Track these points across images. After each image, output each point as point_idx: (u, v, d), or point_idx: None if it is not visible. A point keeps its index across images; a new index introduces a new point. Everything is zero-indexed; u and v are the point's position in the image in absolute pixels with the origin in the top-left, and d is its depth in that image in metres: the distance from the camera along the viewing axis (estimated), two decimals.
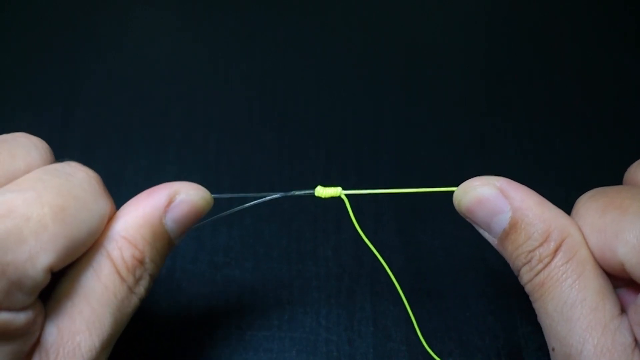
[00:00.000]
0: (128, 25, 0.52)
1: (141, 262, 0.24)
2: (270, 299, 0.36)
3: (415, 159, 0.43)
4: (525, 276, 0.26)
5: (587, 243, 0.25)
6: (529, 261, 0.25)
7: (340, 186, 0.29)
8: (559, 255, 0.24)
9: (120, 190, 0.41)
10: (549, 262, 0.25)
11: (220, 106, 0.46)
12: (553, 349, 0.25)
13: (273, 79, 0.48)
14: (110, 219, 0.24)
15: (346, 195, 0.29)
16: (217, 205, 0.28)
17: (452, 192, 0.28)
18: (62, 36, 0.50)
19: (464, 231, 0.39)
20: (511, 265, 0.27)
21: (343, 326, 0.35)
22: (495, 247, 0.27)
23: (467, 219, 0.27)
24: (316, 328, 0.35)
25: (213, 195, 0.27)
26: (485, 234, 0.27)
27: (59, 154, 0.42)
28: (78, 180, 0.23)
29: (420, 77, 0.49)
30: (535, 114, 0.47)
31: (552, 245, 0.25)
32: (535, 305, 0.26)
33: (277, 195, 0.29)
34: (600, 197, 0.25)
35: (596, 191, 0.26)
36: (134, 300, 0.24)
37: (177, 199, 0.25)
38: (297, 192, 0.29)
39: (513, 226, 0.25)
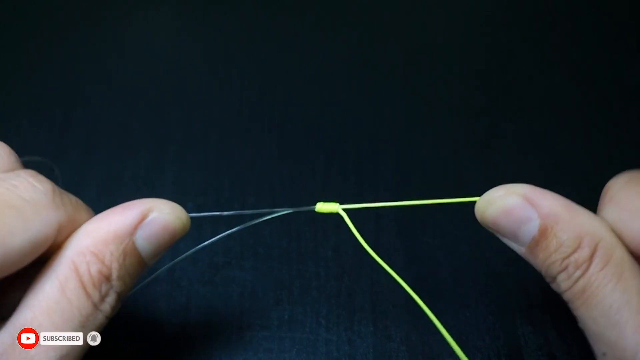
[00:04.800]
0: (128, 26, 0.52)
1: (107, 278, 0.24)
2: (270, 299, 0.36)
3: (415, 160, 0.43)
4: (563, 284, 0.25)
5: (623, 236, 0.24)
6: (565, 268, 0.24)
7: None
8: (596, 260, 0.24)
9: (121, 190, 0.41)
10: (587, 269, 0.24)
11: (220, 106, 0.46)
12: (604, 354, 0.24)
13: (273, 79, 0.48)
14: (69, 230, 0.24)
15: (346, 209, 0.29)
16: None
17: (468, 201, 0.27)
18: (62, 37, 0.51)
19: (464, 231, 0.39)
20: (543, 273, 0.26)
21: (343, 326, 0.35)
22: (522, 255, 0.26)
23: (491, 230, 0.27)
24: (316, 328, 0.35)
25: (190, 215, 0.26)
26: (511, 243, 0.26)
27: (59, 154, 0.42)
28: (20, 191, 0.23)
29: (420, 78, 0.49)
30: (535, 114, 0.47)
31: (586, 250, 0.24)
32: (578, 313, 0.25)
33: (280, 213, 0.30)
34: None
35: (632, 175, 0.25)
36: (100, 318, 0.24)
37: (149, 216, 0.25)
38: (299, 209, 0.30)
39: (543, 233, 0.25)
